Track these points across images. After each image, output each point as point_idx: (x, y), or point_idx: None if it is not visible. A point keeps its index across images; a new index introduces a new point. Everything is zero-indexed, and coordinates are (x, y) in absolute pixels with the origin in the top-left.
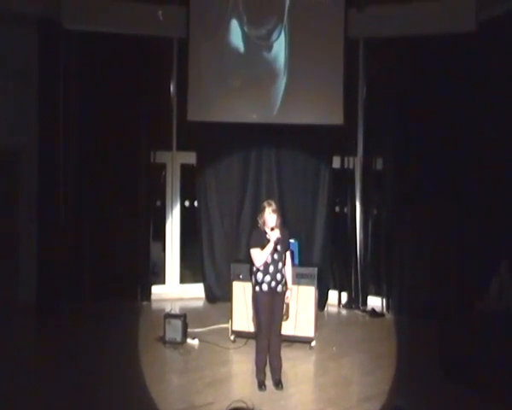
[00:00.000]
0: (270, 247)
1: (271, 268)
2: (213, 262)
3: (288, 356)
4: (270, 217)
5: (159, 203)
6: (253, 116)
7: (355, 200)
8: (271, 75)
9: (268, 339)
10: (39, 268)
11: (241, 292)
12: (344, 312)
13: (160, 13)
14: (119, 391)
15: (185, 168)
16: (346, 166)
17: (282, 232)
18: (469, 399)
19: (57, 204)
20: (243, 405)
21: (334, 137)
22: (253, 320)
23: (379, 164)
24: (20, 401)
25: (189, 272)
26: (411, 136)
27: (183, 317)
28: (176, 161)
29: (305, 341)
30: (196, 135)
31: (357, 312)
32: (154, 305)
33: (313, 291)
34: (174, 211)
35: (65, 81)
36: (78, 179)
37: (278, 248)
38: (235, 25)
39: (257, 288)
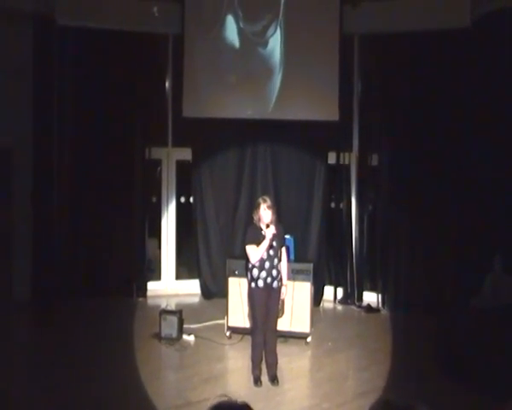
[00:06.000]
0: (265, 243)
1: (267, 264)
2: (209, 258)
3: (284, 352)
4: (265, 213)
5: (154, 200)
6: (248, 112)
7: (350, 196)
8: (267, 71)
9: (264, 335)
10: (34, 266)
11: (237, 288)
12: (339, 307)
13: (155, 9)
14: (114, 387)
15: (181, 164)
16: (341, 162)
17: (277, 228)
18: (464, 394)
19: (52, 201)
20: (226, 399)
21: (329, 132)
22: (249, 316)
23: (374, 160)
24: (16, 398)
25: (184, 269)
26: (406, 132)
27: (179, 313)
28: (171, 158)
29: (301, 336)
30: (192, 131)
31: (353, 307)
32: (150, 301)
33: (309, 287)
34: (170, 207)
35: (59, 77)
36: (73, 176)
37: (274, 244)
38: (230, 20)
39: (252, 284)
